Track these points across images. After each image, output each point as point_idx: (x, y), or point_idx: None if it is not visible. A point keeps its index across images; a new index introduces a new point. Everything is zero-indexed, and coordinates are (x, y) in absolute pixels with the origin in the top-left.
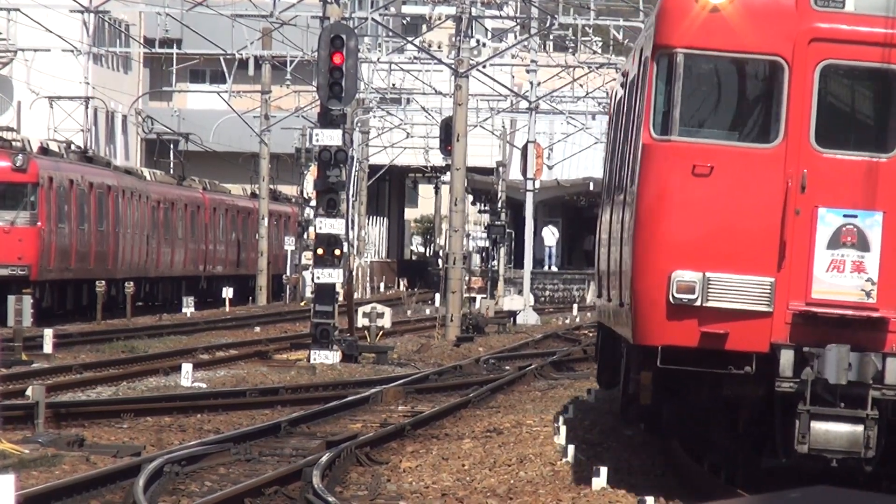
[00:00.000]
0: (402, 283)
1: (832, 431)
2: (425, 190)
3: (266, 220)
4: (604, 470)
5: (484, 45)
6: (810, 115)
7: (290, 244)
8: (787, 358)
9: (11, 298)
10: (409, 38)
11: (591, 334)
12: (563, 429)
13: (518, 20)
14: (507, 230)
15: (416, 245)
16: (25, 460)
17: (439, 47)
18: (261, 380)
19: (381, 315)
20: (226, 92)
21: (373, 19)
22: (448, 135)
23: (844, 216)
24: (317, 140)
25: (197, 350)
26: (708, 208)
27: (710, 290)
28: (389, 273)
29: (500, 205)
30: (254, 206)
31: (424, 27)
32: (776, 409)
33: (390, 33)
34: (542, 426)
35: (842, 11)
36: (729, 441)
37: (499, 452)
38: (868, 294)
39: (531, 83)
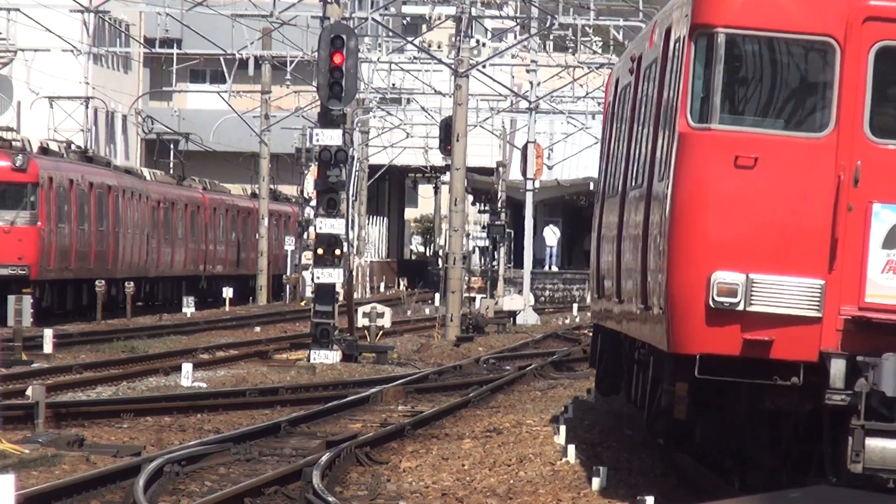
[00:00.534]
0: (402, 283)
1: (889, 449)
2: (425, 190)
3: (266, 219)
4: (603, 470)
5: (484, 45)
6: (864, 102)
7: (290, 244)
8: (838, 368)
9: (11, 298)
10: (409, 38)
11: (591, 334)
12: (562, 429)
13: (518, 20)
14: (507, 230)
15: (416, 245)
16: (25, 460)
17: (439, 47)
18: (261, 380)
19: (381, 315)
20: (226, 92)
21: (373, 19)
22: (448, 135)
23: None
24: (317, 140)
25: (197, 350)
26: (751, 203)
27: (753, 294)
28: (389, 273)
29: (500, 205)
30: (254, 206)
31: (424, 27)
32: (825, 424)
33: (390, 33)
34: (541, 426)
35: None
36: (771, 459)
37: (499, 452)
38: None
39: (531, 83)
